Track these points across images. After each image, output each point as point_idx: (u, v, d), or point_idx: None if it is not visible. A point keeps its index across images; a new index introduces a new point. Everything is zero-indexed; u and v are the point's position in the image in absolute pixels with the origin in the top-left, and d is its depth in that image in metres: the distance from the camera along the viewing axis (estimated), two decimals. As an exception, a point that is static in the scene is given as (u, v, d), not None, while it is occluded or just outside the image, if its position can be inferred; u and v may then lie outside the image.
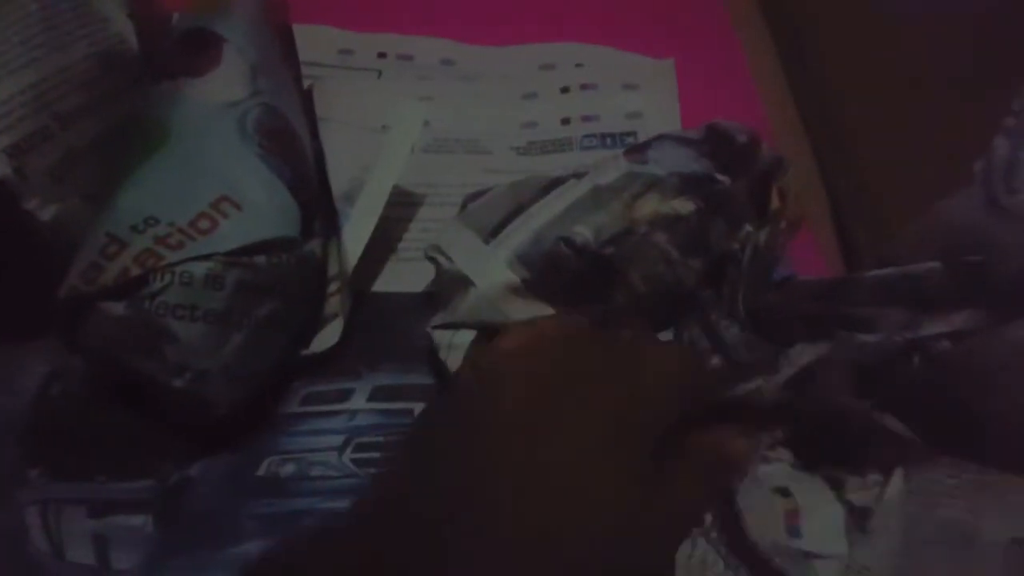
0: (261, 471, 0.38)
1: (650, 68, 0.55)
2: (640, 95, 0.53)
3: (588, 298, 0.38)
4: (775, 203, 0.39)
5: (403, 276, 0.45)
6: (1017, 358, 0.34)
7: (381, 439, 0.39)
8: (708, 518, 0.35)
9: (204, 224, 0.36)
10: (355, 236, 0.43)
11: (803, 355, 0.35)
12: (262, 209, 0.37)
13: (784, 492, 0.36)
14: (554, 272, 0.38)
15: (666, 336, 0.40)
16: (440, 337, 0.39)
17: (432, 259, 0.40)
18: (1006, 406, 0.34)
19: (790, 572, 0.34)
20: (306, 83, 0.47)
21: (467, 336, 0.39)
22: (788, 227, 0.40)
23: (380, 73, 0.54)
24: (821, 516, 0.35)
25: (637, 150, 0.41)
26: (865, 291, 0.37)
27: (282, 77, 0.43)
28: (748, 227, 0.39)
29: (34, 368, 0.39)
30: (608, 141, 0.50)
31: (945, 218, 0.37)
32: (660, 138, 0.41)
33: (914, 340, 0.35)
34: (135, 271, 0.34)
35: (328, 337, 0.41)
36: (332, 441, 0.39)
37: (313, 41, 0.51)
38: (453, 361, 0.39)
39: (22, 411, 0.38)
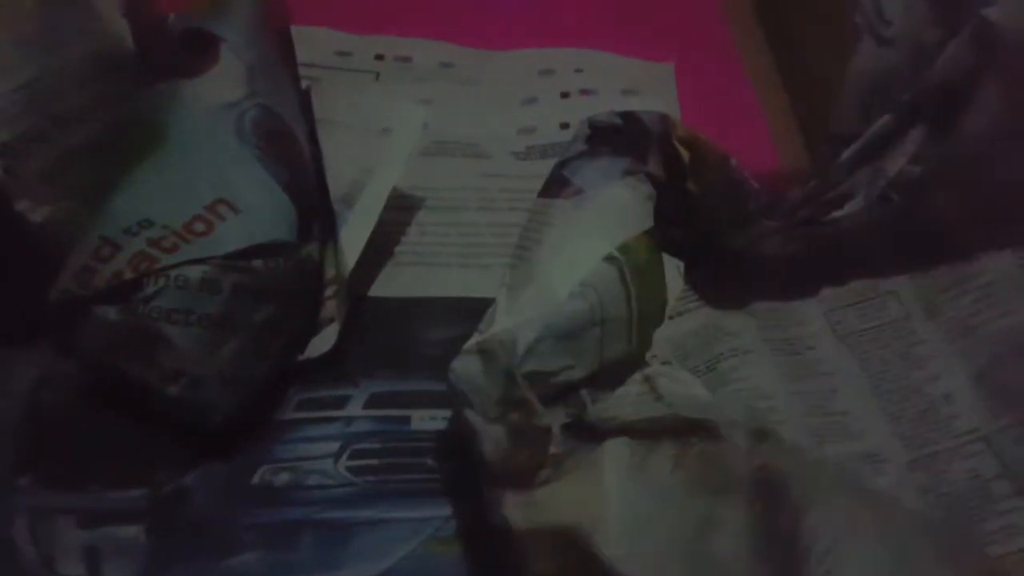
0: (255, 480, 0.37)
1: (650, 73, 0.54)
2: (640, 100, 0.53)
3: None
4: (683, 152, 0.39)
5: (401, 280, 0.44)
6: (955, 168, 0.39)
7: (378, 446, 0.39)
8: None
9: (200, 227, 0.35)
10: (353, 239, 0.42)
11: None
12: (259, 212, 0.37)
13: None
14: None
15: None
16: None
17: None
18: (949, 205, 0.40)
19: None
20: (304, 84, 0.47)
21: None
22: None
23: (378, 75, 0.53)
24: None
25: (564, 187, 0.39)
26: (843, 172, 0.39)
27: (280, 78, 0.43)
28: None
29: (25, 373, 0.38)
30: (609, 146, 0.50)
31: (859, 75, 0.40)
32: (573, 166, 0.39)
33: (887, 184, 0.38)
34: (128, 274, 0.34)
35: (324, 342, 0.40)
36: (328, 448, 0.39)
37: (310, 42, 0.51)
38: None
39: (12, 417, 0.37)
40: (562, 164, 0.39)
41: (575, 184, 0.38)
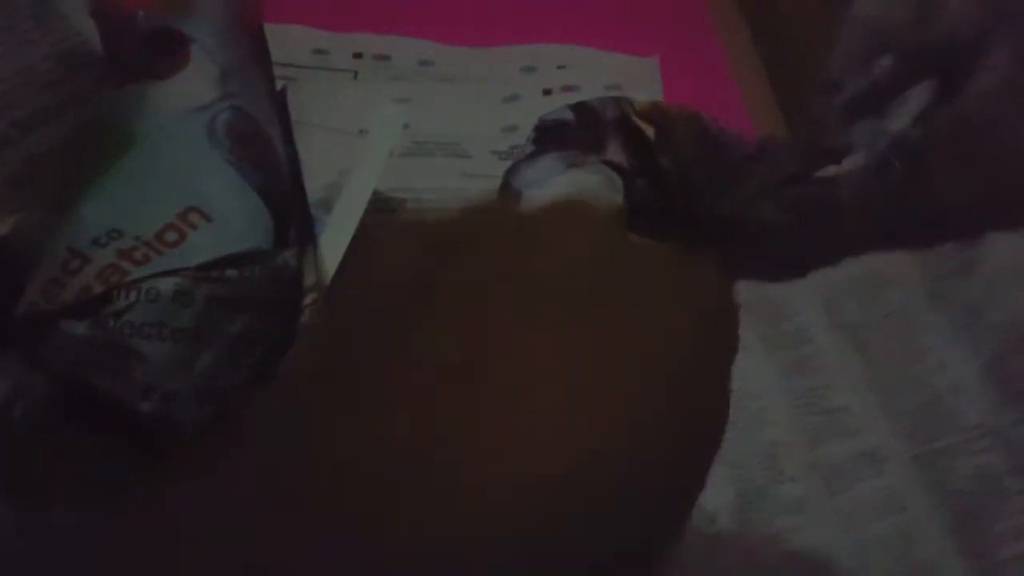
0: (236, 496, 0.36)
1: (634, 67, 0.53)
2: (624, 95, 0.52)
3: None
4: (647, 128, 0.38)
5: (383, 286, 0.43)
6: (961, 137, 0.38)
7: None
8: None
9: (171, 237, 0.34)
10: (333, 244, 0.41)
11: None
12: (233, 219, 0.36)
13: None
14: None
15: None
16: None
17: None
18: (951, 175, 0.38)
19: None
20: (279, 84, 0.46)
21: None
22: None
23: (356, 74, 0.52)
24: None
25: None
26: (843, 116, 0.38)
27: (253, 79, 0.42)
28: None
29: (-6, 388, 0.37)
30: (593, 143, 0.49)
31: (861, 20, 0.39)
32: (515, 169, 0.39)
33: (890, 144, 0.37)
34: (98, 288, 0.33)
35: (305, 352, 0.39)
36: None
37: (286, 41, 0.50)
38: None
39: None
40: (509, 170, 0.39)
41: (513, 188, 0.37)
